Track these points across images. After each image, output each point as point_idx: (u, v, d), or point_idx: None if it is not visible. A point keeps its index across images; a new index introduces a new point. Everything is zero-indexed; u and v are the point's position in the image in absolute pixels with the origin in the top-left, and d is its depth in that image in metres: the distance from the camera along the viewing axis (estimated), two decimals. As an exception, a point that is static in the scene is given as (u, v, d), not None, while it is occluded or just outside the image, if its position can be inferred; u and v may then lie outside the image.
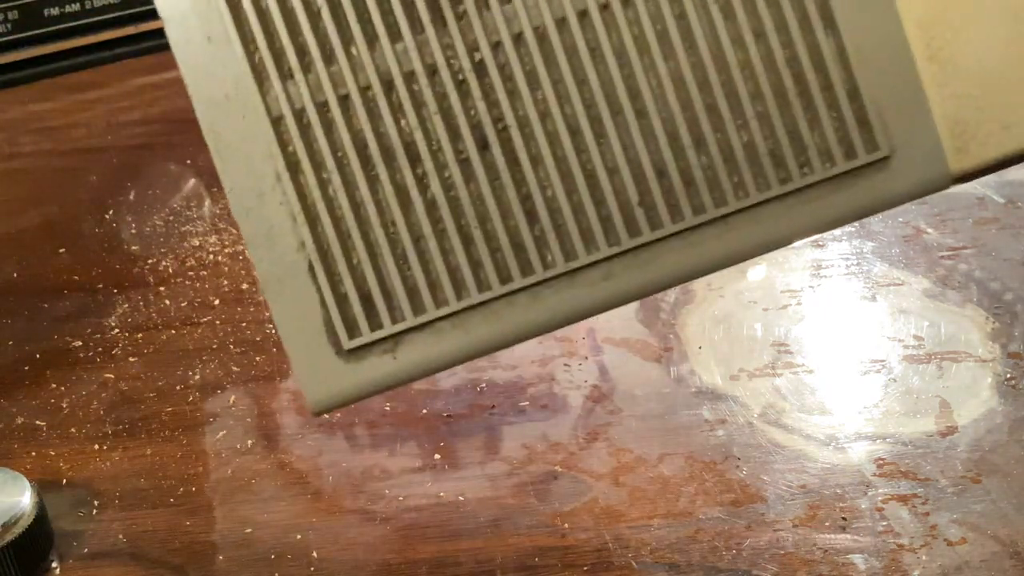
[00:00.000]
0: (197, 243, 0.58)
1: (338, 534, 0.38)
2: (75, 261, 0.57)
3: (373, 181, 0.30)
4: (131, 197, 0.64)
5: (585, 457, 0.41)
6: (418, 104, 0.29)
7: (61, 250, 0.58)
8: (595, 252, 0.30)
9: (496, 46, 0.29)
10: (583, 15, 0.30)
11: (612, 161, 0.30)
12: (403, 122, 0.30)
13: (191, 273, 0.55)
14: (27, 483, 0.37)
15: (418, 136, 0.29)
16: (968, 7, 0.30)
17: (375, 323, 0.30)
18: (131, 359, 0.48)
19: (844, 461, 0.39)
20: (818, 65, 0.30)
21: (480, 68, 0.29)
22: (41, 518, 0.37)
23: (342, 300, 0.30)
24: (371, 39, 0.29)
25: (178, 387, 0.46)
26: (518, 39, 0.29)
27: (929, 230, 0.54)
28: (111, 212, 0.62)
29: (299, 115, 0.29)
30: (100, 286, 0.54)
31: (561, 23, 0.29)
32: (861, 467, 0.39)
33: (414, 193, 0.30)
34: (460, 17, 0.29)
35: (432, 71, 0.29)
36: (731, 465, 0.40)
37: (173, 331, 0.50)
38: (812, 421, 0.42)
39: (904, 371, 0.44)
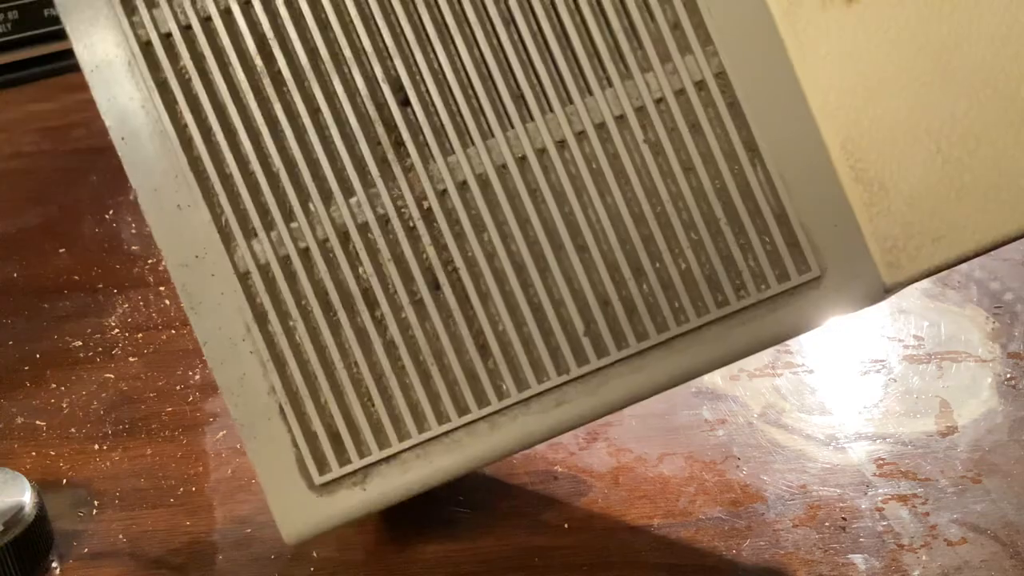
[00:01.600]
0: (197, 243, 0.58)
1: (338, 534, 0.38)
2: (75, 261, 0.57)
3: (335, 326, 0.31)
4: (131, 197, 0.64)
5: (585, 457, 0.41)
6: (373, 252, 0.31)
7: (61, 250, 0.58)
8: (546, 380, 0.31)
9: (442, 194, 0.31)
10: (522, 160, 0.31)
11: (557, 294, 0.31)
12: (360, 269, 0.31)
13: (191, 273, 0.55)
14: (27, 483, 0.37)
15: (374, 282, 0.31)
16: (888, 129, 0.31)
17: (343, 459, 0.32)
18: (131, 359, 0.48)
19: (844, 461, 0.39)
20: (746, 193, 0.31)
21: (428, 215, 0.31)
22: (41, 518, 0.37)
23: (312, 439, 0.31)
24: (327, 195, 0.31)
25: (178, 387, 0.46)
26: (462, 186, 0.31)
27: (929, 230, 0.54)
28: (111, 212, 0.62)
29: (264, 270, 0.31)
30: (100, 286, 0.54)
31: (502, 169, 0.31)
32: (861, 467, 0.39)
33: (373, 335, 0.31)
34: (408, 170, 0.31)
35: (384, 221, 0.31)
36: (731, 465, 0.40)
37: (173, 331, 0.50)
38: (812, 421, 0.42)
39: (904, 371, 0.44)
